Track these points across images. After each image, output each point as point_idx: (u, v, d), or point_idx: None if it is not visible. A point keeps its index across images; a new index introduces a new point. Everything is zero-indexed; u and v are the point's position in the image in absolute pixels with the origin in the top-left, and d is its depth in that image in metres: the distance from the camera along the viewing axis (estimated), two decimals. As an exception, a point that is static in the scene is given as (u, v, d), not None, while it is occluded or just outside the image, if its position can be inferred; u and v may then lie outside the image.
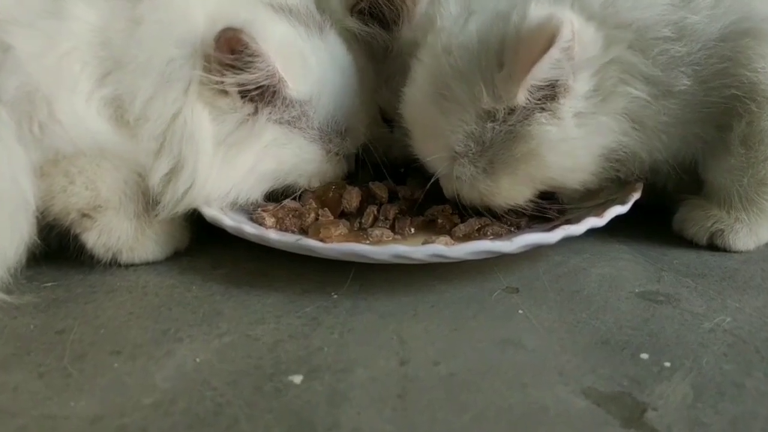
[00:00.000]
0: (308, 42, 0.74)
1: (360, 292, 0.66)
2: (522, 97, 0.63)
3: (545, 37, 0.60)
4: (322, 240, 0.70)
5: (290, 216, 0.75)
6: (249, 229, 0.68)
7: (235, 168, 0.70)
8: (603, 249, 0.74)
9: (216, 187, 0.69)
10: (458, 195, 0.72)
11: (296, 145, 0.72)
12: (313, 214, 0.75)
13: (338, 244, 0.66)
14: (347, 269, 0.68)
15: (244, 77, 0.66)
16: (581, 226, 0.66)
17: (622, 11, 0.65)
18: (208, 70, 0.66)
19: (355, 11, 0.81)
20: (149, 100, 0.66)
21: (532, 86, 0.63)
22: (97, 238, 0.70)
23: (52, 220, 0.68)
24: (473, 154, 0.68)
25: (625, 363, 0.54)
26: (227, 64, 0.65)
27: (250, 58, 0.65)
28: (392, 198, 0.80)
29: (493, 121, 0.66)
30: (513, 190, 0.70)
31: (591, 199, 0.77)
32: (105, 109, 0.66)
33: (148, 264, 0.73)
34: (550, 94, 0.64)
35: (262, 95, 0.69)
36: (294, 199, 0.77)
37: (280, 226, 0.74)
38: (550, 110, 0.65)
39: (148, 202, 0.72)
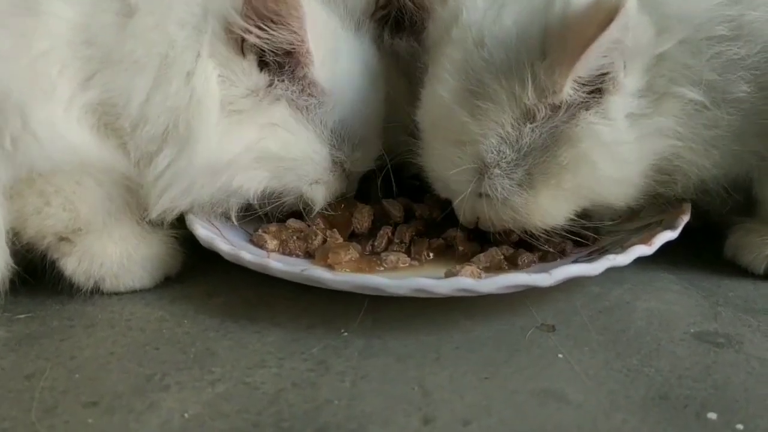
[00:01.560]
0: (342, 34, 0.67)
1: (373, 328, 0.58)
2: (568, 89, 0.55)
3: (603, 14, 0.52)
4: (330, 266, 0.63)
5: (294, 238, 0.68)
6: (247, 256, 0.60)
7: (234, 139, 0.61)
8: (647, 278, 0.65)
9: (213, 159, 0.60)
10: (479, 219, 0.64)
11: (305, 137, 0.64)
12: (320, 236, 0.68)
13: (351, 276, 0.58)
14: (358, 300, 0.60)
15: (271, 36, 0.59)
16: (628, 256, 0.58)
17: (672, 3, 0.57)
18: (231, 24, 0.59)
19: (375, 19, 0.72)
20: (148, 97, 0.58)
21: (579, 78, 0.55)
22: (77, 265, 0.62)
23: (25, 245, 0.60)
24: (507, 163, 0.59)
25: (691, 425, 0.45)
26: (263, 15, 0.58)
27: (285, 15, 0.58)
28: (407, 217, 0.72)
29: (532, 122, 0.58)
30: (553, 207, 0.61)
31: (629, 220, 0.69)
32: (87, 117, 0.58)
33: (134, 292, 0.65)
34: (597, 89, 0.56)
35: (282, 66, 0.61)
36: (298, 218, 0.70)
37: (283, 249, 0.67)
38: (599, 108, 0.57)
39: (135, 221, 0.64)
